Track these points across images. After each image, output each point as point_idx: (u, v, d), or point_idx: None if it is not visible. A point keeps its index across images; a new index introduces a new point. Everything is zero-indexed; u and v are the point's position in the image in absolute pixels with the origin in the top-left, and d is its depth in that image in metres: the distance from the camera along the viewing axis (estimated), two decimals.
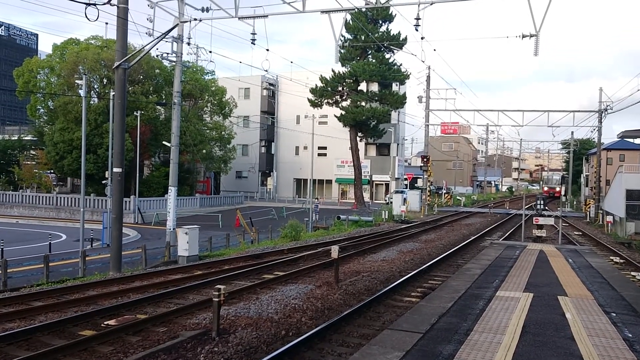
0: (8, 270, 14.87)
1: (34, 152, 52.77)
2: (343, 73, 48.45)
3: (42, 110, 46.44)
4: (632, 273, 16.21)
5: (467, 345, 6.62)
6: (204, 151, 46.84)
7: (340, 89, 49.48)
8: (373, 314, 10.18)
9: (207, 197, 50.08)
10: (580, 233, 29.13)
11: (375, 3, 15.87)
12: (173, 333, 8.63)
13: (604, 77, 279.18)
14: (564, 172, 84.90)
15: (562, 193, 59.11)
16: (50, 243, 23.76)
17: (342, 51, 46.93)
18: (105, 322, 9.29)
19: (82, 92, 25.31)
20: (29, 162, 51.98)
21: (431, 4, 15.07)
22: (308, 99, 49.09)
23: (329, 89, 48.76)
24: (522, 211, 24.76)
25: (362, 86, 50.46)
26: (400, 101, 49.90)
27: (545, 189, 72.19)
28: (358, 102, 48.81)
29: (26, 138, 53.75)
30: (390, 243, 21.40)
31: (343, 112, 49.01)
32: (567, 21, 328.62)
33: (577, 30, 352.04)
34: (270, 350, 7.83)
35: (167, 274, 14.47)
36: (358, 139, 51.29)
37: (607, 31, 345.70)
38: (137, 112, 37.04)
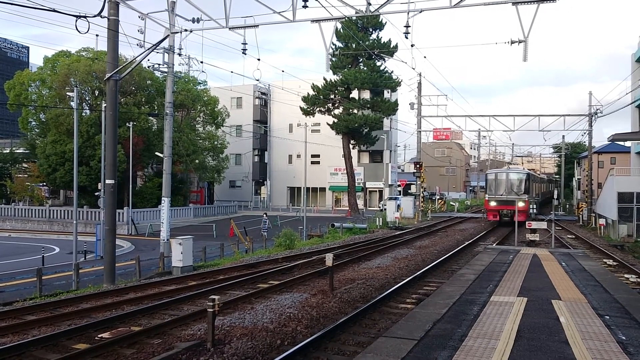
0: (1, 285, 14.76)
1: (26, 165, 52.53)
2: (335, 81, 48.63)
3: (33, 122, 46.31)
4: (625, 275, 16.28)
5: (461, 351, 6.63)
6: (197, 161, 46.79)
7: (332, 97, 49.65)
8: (368, 322, 10.18)
9: (201, 207, 49.98)
10: (574, 236, 29.25)
11: (365, 11, 15.95)
12: (168, 345, 8.59)
13: (592, 80, 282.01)
14: (543, 172, 69.91)
15: (529, 210, 32.80)
16: (43, 256, 23.62)
17: (334, 59, 47.17)
18: (100, 335, 9.23)
19: (73, 104, 25.29)
20: (21, 175, 51.73)
21: (420, 12, 15.20)
22: (300, 107, 49.21)
23: (321, 97, 48.91)
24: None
25: (354, 94, 50.66)
26: (392, 108, 50.12)
27: (492, 204, 33.52)
28: (350, 110, 48.98)
29: (18, 151, 53.53)
30: (385, 250, 21.41)
31: (335, 120, 49.15)
32: (554, 26, 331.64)
33: (564, 34, 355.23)
34: None
35: (162, 285, 14.41)
36: (351, 146, 51.41)
37: (592, 35, 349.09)
38: (129, 123, 36.98)
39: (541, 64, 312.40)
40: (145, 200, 42.91)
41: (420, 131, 43.36)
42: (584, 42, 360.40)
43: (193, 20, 18.51)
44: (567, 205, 60.08)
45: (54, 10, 12.78)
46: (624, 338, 7.32)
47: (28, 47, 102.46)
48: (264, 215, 32.72)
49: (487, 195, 34.34)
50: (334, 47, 48.21)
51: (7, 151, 53.77)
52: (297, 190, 61.31)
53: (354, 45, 47.78)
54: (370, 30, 48.65)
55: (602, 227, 31.58)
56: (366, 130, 50.55)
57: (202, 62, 22.72)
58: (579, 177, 61.11)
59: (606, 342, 7.09)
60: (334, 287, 12.70)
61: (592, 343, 7.04)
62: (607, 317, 8.51)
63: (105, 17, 15.32)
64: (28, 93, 44.05)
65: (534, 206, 31.43)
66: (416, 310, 9.22)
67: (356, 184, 53.02)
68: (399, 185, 59.71)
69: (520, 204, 30.27)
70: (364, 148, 56.75)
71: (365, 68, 48.62)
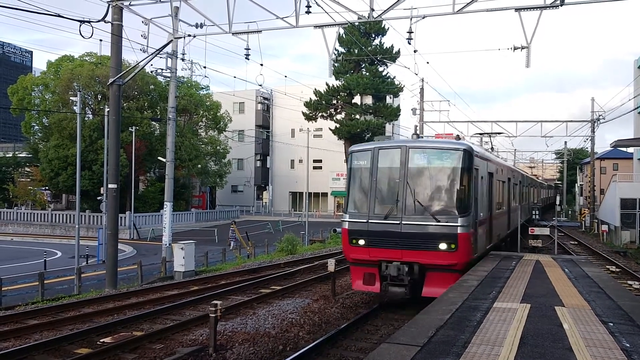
0: (2, 289, 14.76)
1: (28, 169, 52.66)
2: (337, 86, 48.68)
3: (36, 127, 46.49)
4: (629, 282, 16.25)
5: (465, 358, 6.59)
6: (199, 166, 46.88)
7: (334, 102, 49.67)
8: (370, 327, 10.15)
9: (203, 212, 50.01)
10: (576, 242, 29.17)
11: (368, 17, 15.97)
12: (170, 350, 8.57)
13: (594, 86, 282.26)
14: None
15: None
16: (45, 260, 23.61)
17: (336, 65, 47.19)
18: (101, 340, 9.22)
19: (76, 109, 25.35)
20: (23, 179, 51.84)
21: (423, 18, 15.20)
22: (302, 112, 49.26)
23: (324, 102, 48.93)
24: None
25: (356, 99, 50.68)
26: (394, 113, 50.13)
27: (361, 242, 11.04)
28: (352, 115, 49.01)
29: (21, 155, 53.67)
30: None
31: (338, 125, 49.18)
32: (557, 32, 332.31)
33: (566, 40, 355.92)
34: None
35: (164, 289, 14.39)
36: None
37: (595, 40, 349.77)
38: (132, 128, 37.09)
39: (543, 70, 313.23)
40: (148, 204, 42.97)
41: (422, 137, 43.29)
42: (586, 48, 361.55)
43: (196, 26, 18.51)
44: (570, 212, 59.93)
45: (58, 16, 12.84)
46: (628, 345, 7.27)
47: (32, 52, 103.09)
48: (232, 225, 31.29)
49: (346, 215, 11.71)
50: (336, 52, 48.28)
51: (10, 155, 53.90)
52: (299, 195, 61.31)
53: (356, 51, 47.82)
54: (373, 35, 48.71)
55: (604, 233, 31.53)
56: (368, 135, 50.50)
57: (205, 67, 22.84)
58: (581, 183, 61.01)
59: (610, 350, 7.05)
60: (336, 292, 12.67)
61: (596, 350, 7.00)
62: (611, 324, 8.46)
63: (109, 22, 15.38)
64: (31, 97, 44.23)
65: (538, 212, 27.15)
66: (418, 316, 9.18)
67: None
68: None
69: (442, 246, 10.79)
70: None
71: (367, 73, 48.65)
